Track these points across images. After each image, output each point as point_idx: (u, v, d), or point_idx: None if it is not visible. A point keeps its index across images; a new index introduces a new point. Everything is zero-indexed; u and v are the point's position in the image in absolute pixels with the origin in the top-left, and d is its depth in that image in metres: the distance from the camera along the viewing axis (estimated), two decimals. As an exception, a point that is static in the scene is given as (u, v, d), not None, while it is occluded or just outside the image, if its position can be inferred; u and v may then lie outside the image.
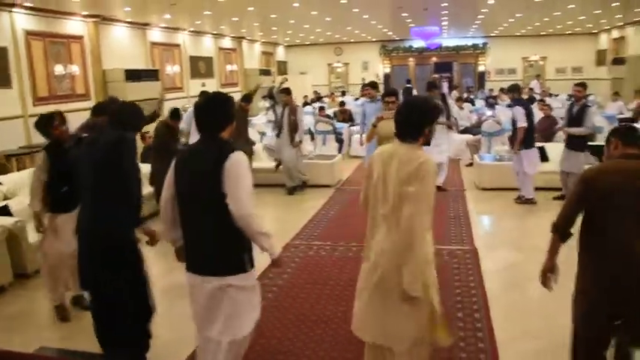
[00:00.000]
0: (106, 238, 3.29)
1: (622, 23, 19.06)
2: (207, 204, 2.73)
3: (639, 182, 2.64)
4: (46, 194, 4.25)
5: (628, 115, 13.09)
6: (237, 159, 2.70)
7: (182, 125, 7.76)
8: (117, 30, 13.32)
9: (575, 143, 7.30)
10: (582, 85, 7.46)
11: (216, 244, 2.76)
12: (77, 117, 4.71)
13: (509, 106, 13.62)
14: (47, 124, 4.30)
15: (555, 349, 3.69)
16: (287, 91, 8.65)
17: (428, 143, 2.79)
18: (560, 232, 2.93)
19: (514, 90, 7.86)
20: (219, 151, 2.71)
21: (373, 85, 8.11)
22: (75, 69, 11.55)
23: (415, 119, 2.72)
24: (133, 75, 12.55)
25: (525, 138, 7.36)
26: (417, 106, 2.83)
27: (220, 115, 2.86)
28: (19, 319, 4.46)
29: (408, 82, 20.82)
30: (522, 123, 7.31)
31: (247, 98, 8.76)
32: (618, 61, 18.58)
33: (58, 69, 11.06)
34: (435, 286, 2.59)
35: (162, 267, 5.04)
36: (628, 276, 2.65)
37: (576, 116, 7.32)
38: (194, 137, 8.21)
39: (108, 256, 3.30)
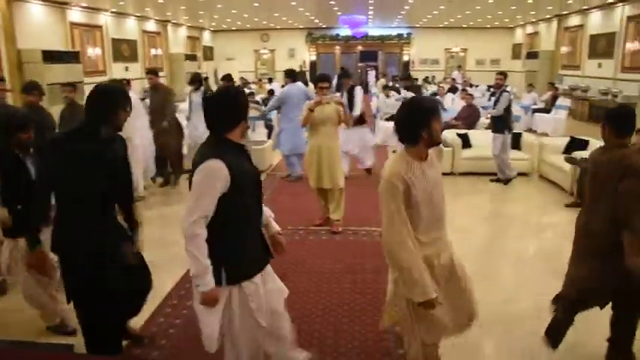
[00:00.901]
0: None
1: (535, 19, 20.21)
2: None
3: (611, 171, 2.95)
4: None
5: (541, 105, 13.93)
6: (202, 167, 2.45)
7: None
8: (33, 8, 12.58)
9: (495, 126, 7.96)
10: (502, 74, 8.06)
11: None
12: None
13: (433, 94, 14.17)
14: (19, 128, 3.39)
15: (481, 319, 3.95)
16: (229, 78, 8.51)
17: (436, 143, 2.68)
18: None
19: (407, 78, 8.33)
20: (204, 157, 2.50)
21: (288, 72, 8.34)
22: (-14, 48, 10.85)
23: (408, 122, 2.63)
24: (51, 56, 11.94)
25: None
26: (410, 107, 2.69)
27: (223, 114, 2.58)
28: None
29: (342, 68, 21.10)
30: None
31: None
32: (532, 55, 19.69)
33: (-32, 47, 10.36)
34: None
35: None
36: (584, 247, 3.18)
37: (496, 102, 7.93)
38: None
39: None
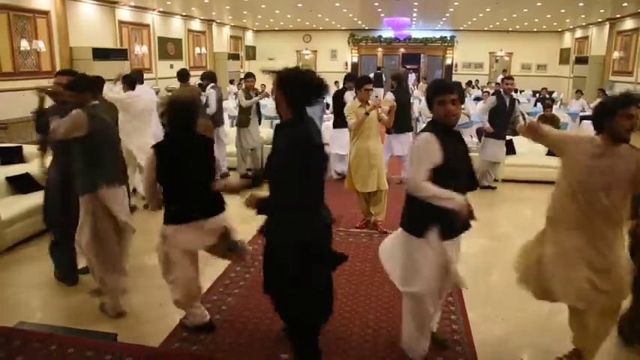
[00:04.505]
0: None
1: (585, 23, 19.63)
2: None
3: None
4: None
5: (590, 112, 13.53)
6: None
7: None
8: (85, 7, 12.98)
9: (502, 132, 7.85)
10: (511, 79, 8.03)
11: None
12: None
13: (475, 99, 13.96)
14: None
15: (525, 330, 3.87)
16: (253, 76, 8.59)
17: (618, 138, 2.89)
18: None
19: (395, 78, 8.13)
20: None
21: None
22: (41, 45, 11.21)
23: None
24: (101, 53, 12.30)
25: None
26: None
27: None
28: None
29: (378, 69, 21.07)
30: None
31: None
32: (581, 60, 19.13)
33: (24, 44, 10.73)
34: None
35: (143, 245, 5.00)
36: None
37: (509, 108, 7.79)
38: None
39: None
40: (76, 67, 11.79)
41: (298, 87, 2.84)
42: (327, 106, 10.31)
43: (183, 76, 8.33)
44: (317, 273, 2.92)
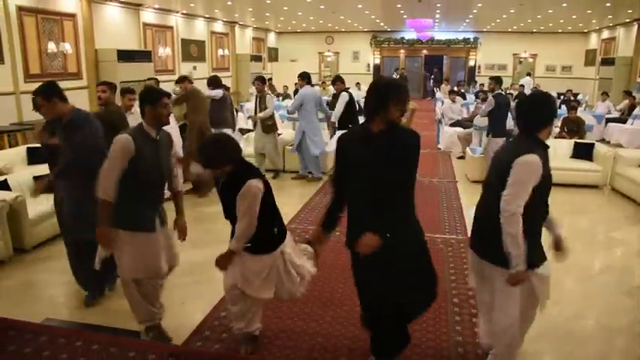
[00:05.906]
0: None
1: (612, 24, 19.30)
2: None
3: None
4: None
5: (615, 115, 13.31)
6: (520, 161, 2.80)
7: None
8: (110, 9, 13.19)
9: (497, 131, 7.87)
10: (493, 79, 8.23)
11: None
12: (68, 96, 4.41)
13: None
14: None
15: (547, 335, 3.82)
16: (262, 80, 8.62)
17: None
18: None
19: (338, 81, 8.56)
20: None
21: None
22: (67, 47, 11.41)
23: None
24: (125, 55, 12.48)
25: None
26: None
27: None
28: (18, 292, 4.47)
29: (396, 70, 21.00)
30: None
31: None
32: (607, 61, 18.82)
33: (51, 46, 10.93)
34: None
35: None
36: None
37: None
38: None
39: None
40: (100, 69, 12.03)
41: None
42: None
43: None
44: None
